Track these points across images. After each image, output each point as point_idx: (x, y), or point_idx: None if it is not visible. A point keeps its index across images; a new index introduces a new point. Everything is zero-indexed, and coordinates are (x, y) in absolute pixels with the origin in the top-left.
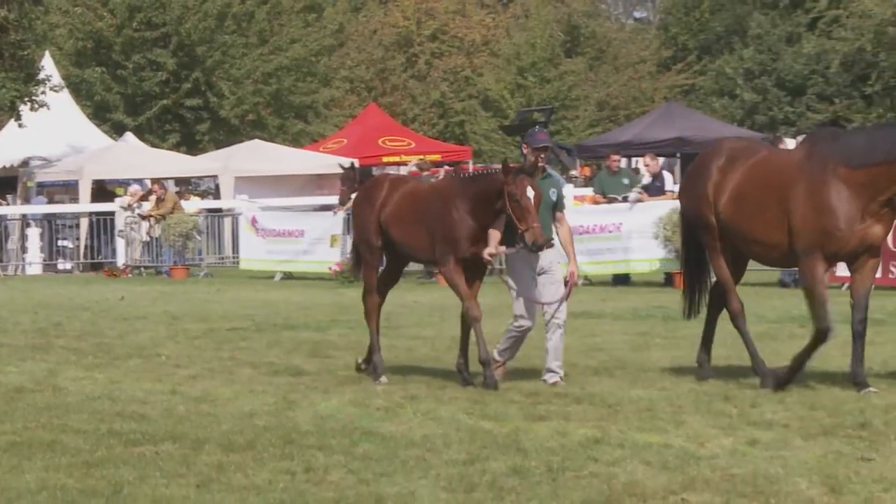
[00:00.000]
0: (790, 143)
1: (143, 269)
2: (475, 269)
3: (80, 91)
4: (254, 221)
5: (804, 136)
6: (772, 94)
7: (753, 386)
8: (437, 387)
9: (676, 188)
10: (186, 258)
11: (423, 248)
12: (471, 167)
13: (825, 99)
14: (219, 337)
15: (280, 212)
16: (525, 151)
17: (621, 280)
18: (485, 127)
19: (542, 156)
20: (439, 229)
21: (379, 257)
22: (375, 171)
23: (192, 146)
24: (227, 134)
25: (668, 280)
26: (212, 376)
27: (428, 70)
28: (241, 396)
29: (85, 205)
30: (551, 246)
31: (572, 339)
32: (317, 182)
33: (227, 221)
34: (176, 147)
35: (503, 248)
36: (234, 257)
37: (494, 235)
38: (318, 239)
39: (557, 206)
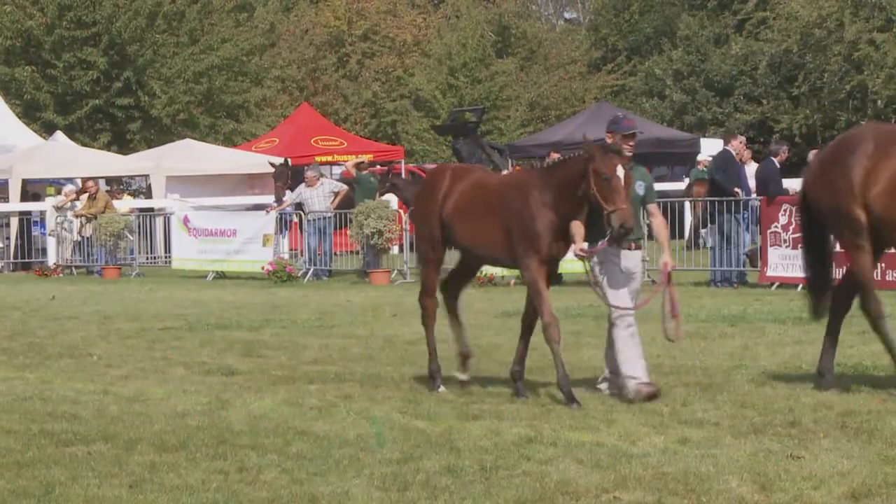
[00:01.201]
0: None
1: (74, 268)
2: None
3: (9, 90)
4: (186, 221)
5: None
6: (700, 95)
7: (685, 384)
8: (371, 386)
9: None
10: (118, 258)
11: (496, 246)
12: (403, 167)
13: (753, 100)
14: (151, 336)
15: (212, 211)
16: (610, 140)
17: (553, 280)
18: (417, 127)
19: (631, 143)
20: (518, 225)
21: (442, 254)
22: (307, 171)
23: (123, 145)
24: (159, 133)
25: None
26: (144, 376)
27: (359, 70)
28: (173, 396)
29: (15, 204)
30: (639, 247)
31: (505, 338)
32: (249, 182)
33: (159, 221)
34: (107, 146)
35: (586, 245)
36: (166, 257)
37: (578, 227)
38: (251, 238)
39: (648, 197)
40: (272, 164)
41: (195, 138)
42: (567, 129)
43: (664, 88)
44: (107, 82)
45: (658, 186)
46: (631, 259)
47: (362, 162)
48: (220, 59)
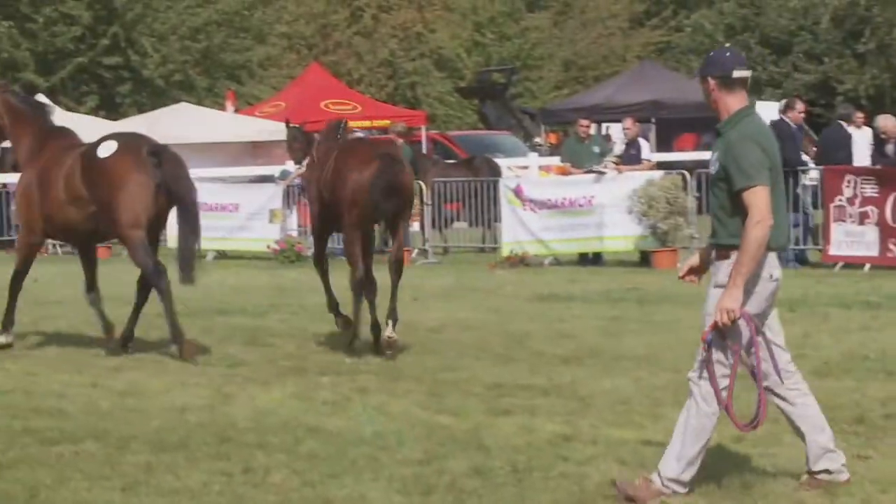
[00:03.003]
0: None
1: (58, 247)
2: None
3: None
4: None
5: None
6: (755, 53)
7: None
8: (389, 378)
9: (653, 157)
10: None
11: None
12: (424, 135)
13: (813, 58)
14: (145, 323)
15: (212, 183)
16: None
17: (592, 260)
18: (439, 89)
19: None
20: None
21: None
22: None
23: (112, 110)
24: (152, 96)
25: (644, 259)
26: (138, 367)
27: (375, 26)
28: (171, 389)
29: None
30: None
31: (538, 325)
32: (252, 150)
33: None
34: (95, 111)
35: None
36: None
37: None
38: (255, 214)
39: None
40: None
41: (192, 102)
42: (606, 92)
43: (715, 45)
44: (92, 39)
45: (706, 155)
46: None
47: (400, 125)
48: (218, 14)
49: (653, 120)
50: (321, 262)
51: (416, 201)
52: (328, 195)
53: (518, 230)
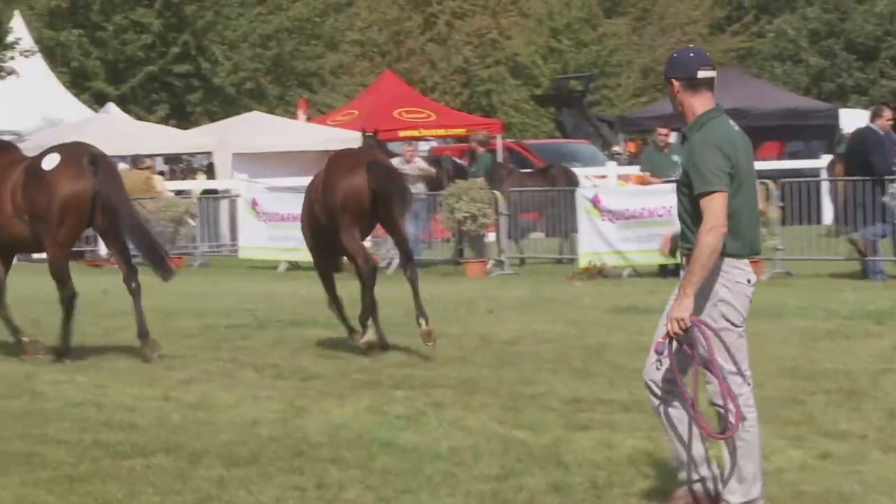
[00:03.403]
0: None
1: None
2: None
3: (55, 56)
4: (255, 204)
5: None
6: (840, 59)
7: (825, 391)
8: (465, 392)
9: None
10: (179, 246)
11: None
12: (500, 143)
13: None
14: (216, 335)
15: (284, 193)
16: None
17: (672, 271)
18: (515, 97)
19: None
20: None
21: None
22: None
23: (183, 118)
24: (223, 105)
25: None
26: (209, 380)
27: (449, 32)
28: (242, 403)
29: None
30: None
31: (616, 336)
32: (325, 159)
33: (224, 204)
34: (165, 120)
35: None
36: (232, 245)
37: None
38: None
39: None
40: (364, 133)
41: (263, 110)
42: None
43: (798, 51)
44: (163, 47)
45: (790, 164)
46: None
47: (484, 134)
48: (290, 21)
49: None
50: (320, 268)
51: (491, 211)
52: (320, 208)
53: (596, 241)
